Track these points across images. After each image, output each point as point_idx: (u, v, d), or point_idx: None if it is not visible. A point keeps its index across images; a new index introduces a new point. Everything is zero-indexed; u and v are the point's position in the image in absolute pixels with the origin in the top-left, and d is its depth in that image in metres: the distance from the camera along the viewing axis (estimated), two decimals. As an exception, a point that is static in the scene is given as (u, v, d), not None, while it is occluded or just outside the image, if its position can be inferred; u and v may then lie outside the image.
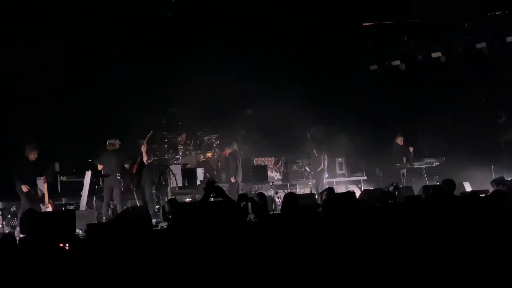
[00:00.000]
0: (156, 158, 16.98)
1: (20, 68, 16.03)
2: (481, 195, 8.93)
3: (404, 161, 18.07)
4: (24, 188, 13.66)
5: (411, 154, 18.41)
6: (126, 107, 17.45)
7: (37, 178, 14.06)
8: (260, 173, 17.91)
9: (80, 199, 14.42)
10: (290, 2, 19.38)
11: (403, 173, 17.96)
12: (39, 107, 16.24)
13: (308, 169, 18.18)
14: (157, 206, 15.04)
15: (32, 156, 13.94)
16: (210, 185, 7.82)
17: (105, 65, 16.94)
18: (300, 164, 19.05)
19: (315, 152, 18.38)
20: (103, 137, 16.76)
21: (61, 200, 14.76)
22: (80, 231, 11.04)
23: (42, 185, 13.89)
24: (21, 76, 16.10)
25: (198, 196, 16.62)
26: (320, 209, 10.50)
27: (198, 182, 17.24)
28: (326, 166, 18.44)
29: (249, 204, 10.48)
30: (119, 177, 14.33)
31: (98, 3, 17.22)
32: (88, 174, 13.99)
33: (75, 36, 17.02)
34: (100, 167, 14.47)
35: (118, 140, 14.68)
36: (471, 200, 7.84)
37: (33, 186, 13.75)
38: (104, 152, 14.53)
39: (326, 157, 18.41)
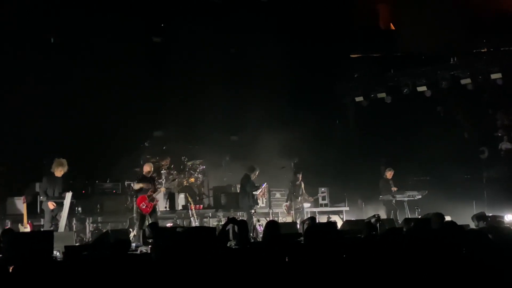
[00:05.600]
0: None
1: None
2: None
3: (390, 194, 18.07)
4: (51, 205, 13.61)
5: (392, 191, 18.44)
6: (110, 130, 17.41)
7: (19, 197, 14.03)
8: (243, 200, 17.81)
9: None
10: (277, 32, 19.53)
11: (394, 204, 17.97)
12: (21, 129, 16.12)
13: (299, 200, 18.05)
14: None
15: (59, 172, 13.98)
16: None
17: (91, 88, 16.90)
18: (283, 192, 19.01)
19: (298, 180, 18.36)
20: (88, 159, 16.72)
21: (40, 221, 14.56)
22: (57, 253, 10.88)
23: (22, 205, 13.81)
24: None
25: (179, 221, 16.53)
26: (302, 238, 10.46)
27: (180, 207, 17.16)
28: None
29: (232, 229, 10.48)
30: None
31: (87, 26, 17.28)
32: (68, 196, 13.84)
33: (61, 57, 17.03)
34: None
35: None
36: (451, 232, 7.81)
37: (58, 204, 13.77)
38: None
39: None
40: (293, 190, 18.04)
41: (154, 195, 14.89)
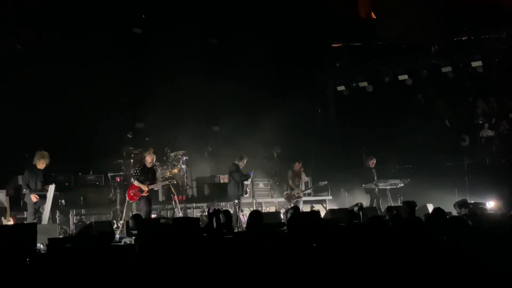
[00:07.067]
0: (122, 173, 16.91)
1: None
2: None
3: (372, 182, 18.11)
4: (33, 198, 13.50)
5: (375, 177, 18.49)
6: (92, 122, 17.34)
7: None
8: (226, 191, 17.85)
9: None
10: (258, 21, 19.51)
11: (376, 192, 18.01)
12: (2, 122, 15.98)
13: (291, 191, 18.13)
14: (121, 222, 14.90)
15: (41, 164, 13.86)
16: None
17: (72, 80, 16.81)
18: (266, 182, 19.05)
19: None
20: (70, 151, 16.63)
21: (24, 214, 14.49)
22: (41, 246, 10.86)
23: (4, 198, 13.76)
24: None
25: (163, 213, 16.54)
26: (285, 227, 10.51)
27: (163, 198, 17.17)
28: None
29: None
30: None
31: (67, 18, 17.16)
32: (51, 188, 13.78)
33: (42, 50, 16.90)
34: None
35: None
36: (435, 220, 7.91)
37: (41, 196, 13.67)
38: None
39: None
40: (293, 179, 18.05)
41: (148, 187, 14.91)
